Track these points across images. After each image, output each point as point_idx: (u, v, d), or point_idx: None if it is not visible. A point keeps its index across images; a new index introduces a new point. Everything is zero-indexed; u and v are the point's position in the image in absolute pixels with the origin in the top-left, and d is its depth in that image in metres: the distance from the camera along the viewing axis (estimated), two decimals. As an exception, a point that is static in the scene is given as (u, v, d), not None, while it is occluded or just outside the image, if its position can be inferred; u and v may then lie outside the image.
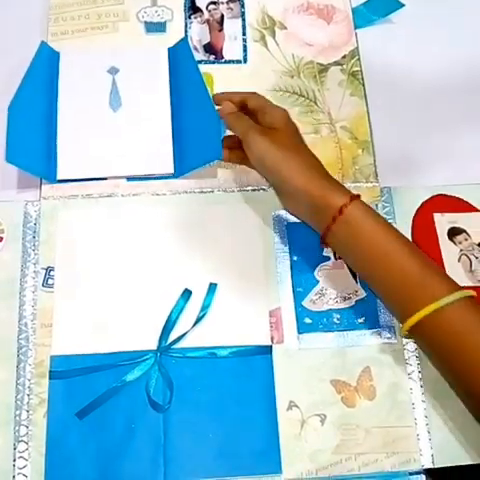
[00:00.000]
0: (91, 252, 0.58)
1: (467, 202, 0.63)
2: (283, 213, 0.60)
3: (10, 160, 0.57)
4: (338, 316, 0.57)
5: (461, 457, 0.53)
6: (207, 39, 0.69)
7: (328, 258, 0.59)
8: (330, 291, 0.58)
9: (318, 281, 0.58)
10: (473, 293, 0.50)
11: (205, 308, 0.56)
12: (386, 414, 0.54)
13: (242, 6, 0.70)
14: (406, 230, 0.61)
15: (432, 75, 0.68)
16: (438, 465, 0.53)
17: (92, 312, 0.56)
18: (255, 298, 0.57)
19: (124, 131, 0.63)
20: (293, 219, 0.59)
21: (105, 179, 0.61)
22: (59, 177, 0.60)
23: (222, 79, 0.66)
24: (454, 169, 0.64)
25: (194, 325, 0.56)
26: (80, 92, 0.64)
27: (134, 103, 0.64)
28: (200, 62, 0.67)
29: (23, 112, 0.60)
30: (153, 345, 0.55)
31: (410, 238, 0.60)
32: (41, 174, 0.60)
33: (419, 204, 0.62)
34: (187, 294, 0.57)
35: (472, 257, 0.60)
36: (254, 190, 0.61)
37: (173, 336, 0.55)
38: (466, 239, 0.61)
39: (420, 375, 0.55)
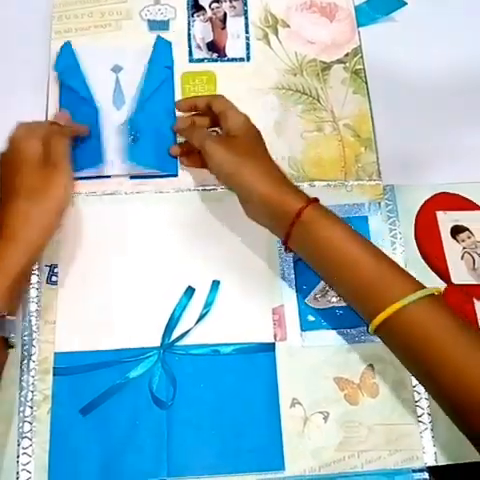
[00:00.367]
0: (95, 249, 0.58)
1: (470, 200, 0.63)
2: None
3: None
4: (341, 313, 0.57)
5: (464, 455, 0.53)
6: (210, 37, 0.69)
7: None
8: (333, 289, 0.58)
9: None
10: (437, 290, 0.49)
11: (208, 305, 0.56)
12: (389, 412, 0.54)
13: (245, 4, 0.70)
14: (409, 228, 0.61)
15: (435, 73, 0.68)
16: (441, 463, 0.53)
17: (96, 309, 0.56)
18: (258, 295, 0.57)
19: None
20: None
21: (109, 177, 0.61)
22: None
23: (225, 77, 0.66)
24: (457, 167, 0.64)
25: (197, 322, 0.56)
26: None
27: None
28: (203, 60, 0.67)
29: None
30: (156, 342, 0.55)
31: (413, 236, 0.61)
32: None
33: (422, 202, 0.62)
34: (190, 291, 0.57)
35: (475, 255, 0.60)
36: (257, 188, 0.61)
37: (176, 333, 0.55)
38: (469, 237, 0.61)
39: (423, 372, 0.55)
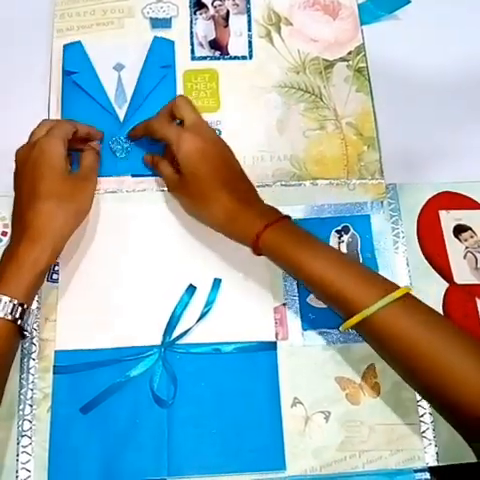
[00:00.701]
0: (96, 247, 0.58)
1: (473, 199, 0.62)
2: (288, 209, 0.59)
3: None
4: (343, 313, 0.57)
5: (466, 455, 0.52)
6: (212, 35, 0.68)
7: (333, 254, 0.59)
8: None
9: (323, 277, 0.58)
10: (405, 291, 0.49)
11: (209, 304, 0.56)
12: (391, 411, 0.54)
13: (248, 2, 0.70)
14: (411, 227, 0.61)
15: (438, 71, 0.68)
16: (442, 463, 0.53)
17: (96, 307, 0.56)
18: (260, 294, 0.57)
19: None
20: (298, 215, 0.59)
21: (110, 175, 0.61)
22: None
23: (227, 75, 0.66)
24: (460, 166, 0.64)
25: (198, 321, 0.56)
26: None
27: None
28: (205, 58, 0.67)
29: None
30: (157, 340, 0.55)
31: (415, 235, 0.60)
32: None
33: (425, 201, 0.62)
34: (191, 290, 0.56)
35: (478, 254, 0.60)
36: (258, 186, 0.60)
37: (177, 332, 0.55)
38: (472, 236, 0.61)
39: (425, 372, 0.55)
